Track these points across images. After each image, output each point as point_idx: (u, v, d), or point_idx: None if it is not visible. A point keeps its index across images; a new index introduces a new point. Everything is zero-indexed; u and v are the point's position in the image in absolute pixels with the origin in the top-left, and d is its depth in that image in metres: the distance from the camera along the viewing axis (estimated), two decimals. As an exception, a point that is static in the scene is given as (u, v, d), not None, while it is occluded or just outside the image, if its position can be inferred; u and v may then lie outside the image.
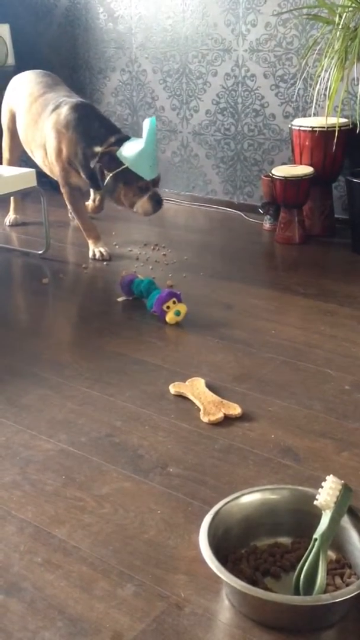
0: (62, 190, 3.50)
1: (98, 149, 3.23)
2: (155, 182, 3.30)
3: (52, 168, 3.49)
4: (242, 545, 1.56)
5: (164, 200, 3.47)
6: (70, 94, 3.58)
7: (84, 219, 3.55)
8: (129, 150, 3.17)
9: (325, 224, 3.74)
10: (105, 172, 3.24)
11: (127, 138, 3.26)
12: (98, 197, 3.84)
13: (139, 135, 3.63)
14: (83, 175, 3.36)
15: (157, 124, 4.40)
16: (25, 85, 3.67)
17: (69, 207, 3.56)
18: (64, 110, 3.36)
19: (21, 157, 3.98)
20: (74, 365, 2.44)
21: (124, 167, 3.18)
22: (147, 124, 3.14)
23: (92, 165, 3.26)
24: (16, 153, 3.90)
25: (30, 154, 3.68)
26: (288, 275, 3.24)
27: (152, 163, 3.22)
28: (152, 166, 3.23)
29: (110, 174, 3.22)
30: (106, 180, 3.26)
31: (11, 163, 3.90)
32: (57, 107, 3.42)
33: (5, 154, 3.92)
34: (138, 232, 3.86)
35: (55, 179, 3.54)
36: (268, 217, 3.85)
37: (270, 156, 4.03)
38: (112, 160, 3.19)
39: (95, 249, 3.50)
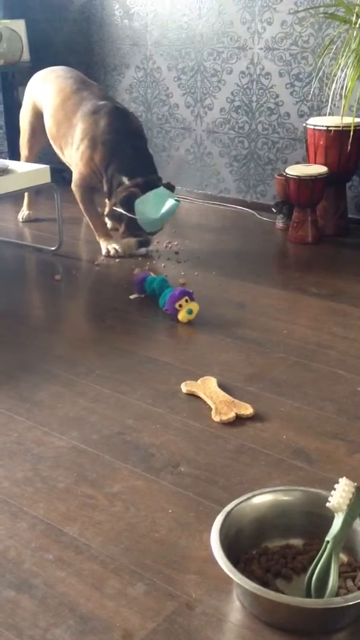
0: (76, 189, 3.50)
1: (125, 180, 3.32)
2: (153, 233, 3.48)
3: (75, 168, 3.48)
4: (254, 546, 1.56)
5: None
6: (104, 94, 3.61)
7: (94, 218, 3.55)
8: (145, 209, 3.29)
9: (339, 224, 3.73)
10: (117, 204, 3.35)
11: (151, 186, 3.32)
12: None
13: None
14: (104, 187, 3.44)
15: (171, 121, 4.40)
16: (54, 81, 3.64)
17: (80, 206, 3.56)
18: (104, 121, 3.37)
19: (39, 155, 3.96)
20: (86, 362, 2.45)
21: (134, 216, 3.31)
22: (169, 204, 3.28)
23: (113, 189, 3.37)
24: (36, 150, 3.87)
25: (58, 150, 3.65)
26: (301, 275, 3.23)
27: (159, 226, 3.43)
28: (157, 227, 3.43)
29: (121, 209, 3.33)
30: (115, 207, 3.38)
31: (29, 161, 3.85)
32: (95, 112, 3.41)
33: (24, 151, 3.88)
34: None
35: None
36: (281, 216, 3.84)
37: (284, 155, 4.02)
38: (129, 201, 3.29)
39: (108, 246, 3.51)
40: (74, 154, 3.48)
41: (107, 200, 3.67)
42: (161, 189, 3.34)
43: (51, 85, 3.64)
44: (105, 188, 3.43)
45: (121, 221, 3.41)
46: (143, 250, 3.48)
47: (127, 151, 3.35)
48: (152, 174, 3.39)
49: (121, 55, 4.52)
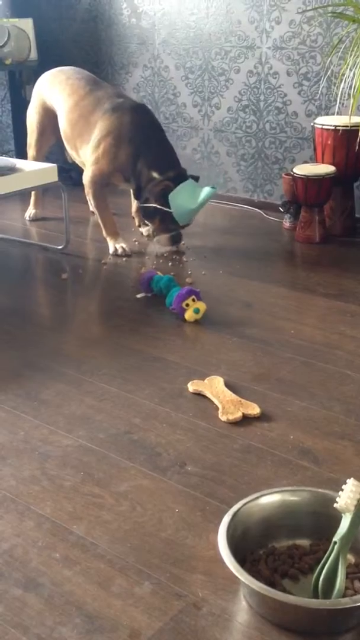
0: (90, 184, 3.47)
1: (155, 175, 3.32)
2: (185, 226, 3.46)
3: (94, 165, 3.45)
4: (261, 546, 1.56)
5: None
6: (118, 92, 3.62)
7: (106, 215, 3.53)
8: (180, 200, 3.29)
9: (346, 223, 3.72)
10: (151, 199, 3.33)
11: (183, 177, 3.34)
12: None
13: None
14: (132, 186, 3.42)
15: (178, 120, 4.40)
16: (65, 82, 3.63)
17: (92, 202, 3.56)
18: (127, 118, 3.37)
19: (47, 155, 3.95)
20: (93, 361, 2.45)
21: (169, 209, 3.30)
22: (206, 191, 3.32)
23: (143, 186, 3.35)
24: (44, 150, 3.87)
25: (72, 150, 3.64)
26: (308, 274, 3.22)
27: (193, 216, 3.42)
28: (191, 218, 3.43)
29: (155, 205, 3.32)
30: (147, 203, 3.35)
31: (37, 160, 3.83)
32: (116, 110, 3.40)
33: (32, 152, 3.86)
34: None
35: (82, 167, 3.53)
36: (288, 215, 3.83)
37: (292, 154, 4.01)
38: (164, 196, 3.30)
39: (116, 245, 3.50)
40: (91, 152, 3.46)
41: (133, 199, 3.65)
42: (190, 180, 3.36)
43: (62, 87, 3.62)
44: (133, 186, 3.42)
45: (154, 217, 3.39)
46: (173, 247, 3.51)
47: (153, 146, 3.36)
48: (179, 166, 3.41)
49: (129, 54, 4.52)
